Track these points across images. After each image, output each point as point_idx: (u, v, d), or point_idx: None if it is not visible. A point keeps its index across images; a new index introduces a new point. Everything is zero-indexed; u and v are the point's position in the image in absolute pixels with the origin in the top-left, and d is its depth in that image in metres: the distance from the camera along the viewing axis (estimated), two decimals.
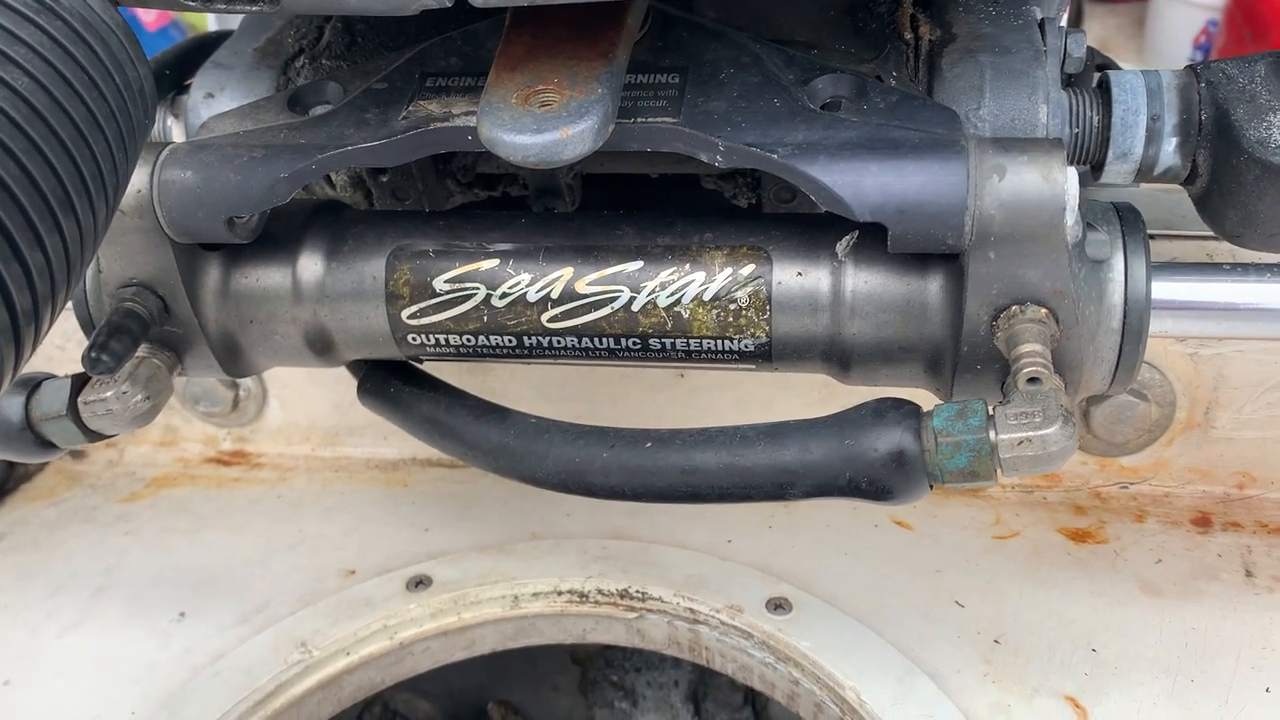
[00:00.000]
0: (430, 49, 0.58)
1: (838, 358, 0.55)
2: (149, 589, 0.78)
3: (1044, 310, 0.49)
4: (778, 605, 0.69)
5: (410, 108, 0.55)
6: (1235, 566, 0.70)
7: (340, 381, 0.73)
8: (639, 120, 0.53)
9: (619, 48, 0.52)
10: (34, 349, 0.38)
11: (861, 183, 0.48)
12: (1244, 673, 0.63)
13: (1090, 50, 0.85)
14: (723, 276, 0.55)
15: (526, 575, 0.73)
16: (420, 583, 0.74)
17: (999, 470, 0.49)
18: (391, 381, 0.65)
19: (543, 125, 0.48)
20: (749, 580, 0.71)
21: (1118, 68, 0.91)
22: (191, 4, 0.48)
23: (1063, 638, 0.66)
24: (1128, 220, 0.53)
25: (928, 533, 0.75)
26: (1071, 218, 0.48)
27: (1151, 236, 0.72)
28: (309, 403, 0.89)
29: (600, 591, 0.71)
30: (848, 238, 0.53)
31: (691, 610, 0.70)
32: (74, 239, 0.38)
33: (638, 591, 0.71)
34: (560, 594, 0.72)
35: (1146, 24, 2.76)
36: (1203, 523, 0.74)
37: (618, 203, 0.67)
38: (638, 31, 0.55)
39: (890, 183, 0.48)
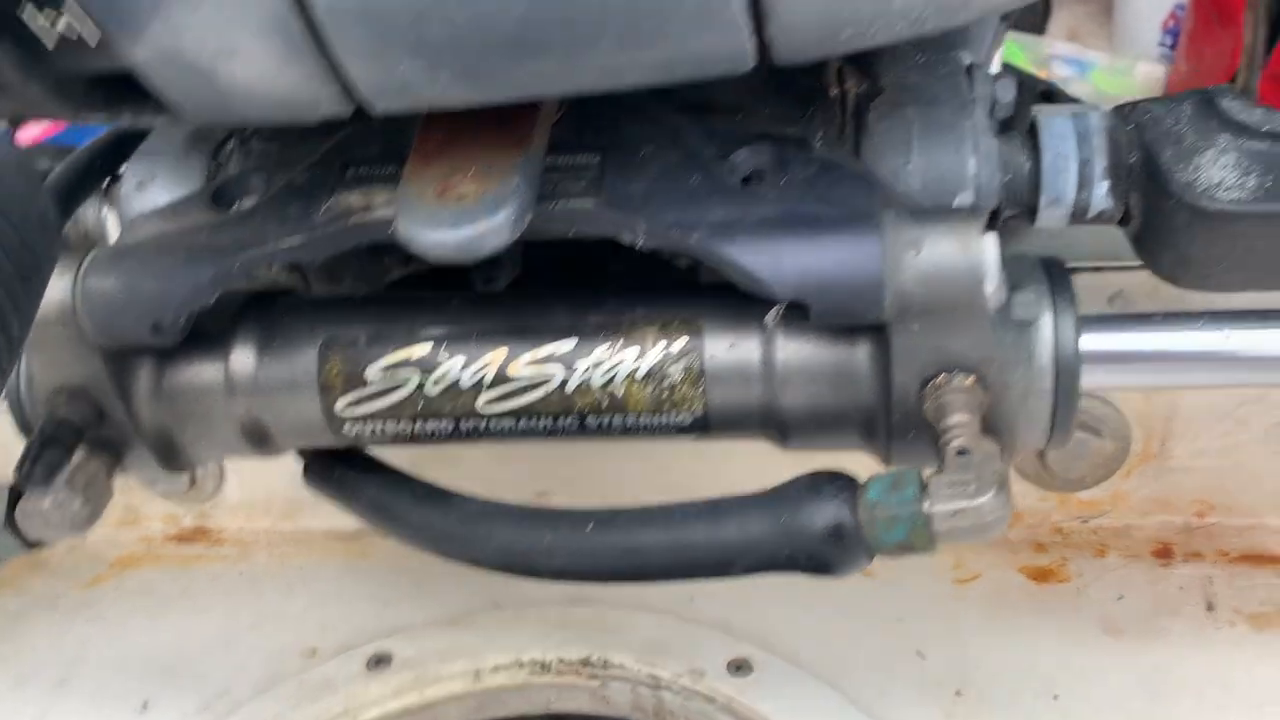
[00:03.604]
0: (351, 136, 0.58)
1: (775, 426, 0.55)
2: (112, 678, 0.78)
3: (971, 378, 0.49)
4: (739, 666, 0.68)
5: (331, 201, 0.54)
6: (1196, 600, 0.70)
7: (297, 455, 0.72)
8: (559, 203, 0.52)
9: (536, 133, 0.51)
10: None
11: (779, 263, 0.48)
12: (1206, 713, 0.63)
13: (1030, 80, 0.85)
14: (655, 352, 0.55)
15: (488, 648, 0.73)
16: (381, 661, 0.73)
17: (935, 541, 0.48)
18: (336, 466, 0.64)
19: (459, 220, 0.47)
20: (710, 641, 0.70)
21: (1065, 95, 0.91)
22: (96, 115, 0.48)
23: (1024, 686, 0.66)
24: (1055, 277, 0.53)
25: (889, 579, 0.75)
26: (991, 286, 0.48)
27: (1099, 269, 0.72)
28: (267, 476, 0.89)
29: (562, 661, 0.71)
30: (775, 309, 0.53)
31: (654, 676, 0.69)
32: None
33: (599, 659, 0.71)
34: (522, 665, 0.72)
35: (1114, 11, 2.76)
36: (1164, 554, 0.74)
37: (559, 265, 0.66)
38: (555, 113, 0.55)
39: (808, 262, 0.48)
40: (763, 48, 0.40)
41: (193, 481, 0.89)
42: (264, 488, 0.89)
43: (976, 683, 0.66)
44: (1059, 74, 2.34)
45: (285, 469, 0.88)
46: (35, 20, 0.41)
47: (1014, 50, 2.22)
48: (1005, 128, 0.64)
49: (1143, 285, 0.74)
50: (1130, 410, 0.74)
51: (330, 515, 0.88)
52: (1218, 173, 0.55)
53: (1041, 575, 0.74)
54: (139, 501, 0.92)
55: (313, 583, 0.83)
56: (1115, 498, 0.76)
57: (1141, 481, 0.76)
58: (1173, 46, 2.44)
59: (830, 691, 0.66)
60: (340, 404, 0.57)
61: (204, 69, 0.41)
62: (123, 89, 0.46)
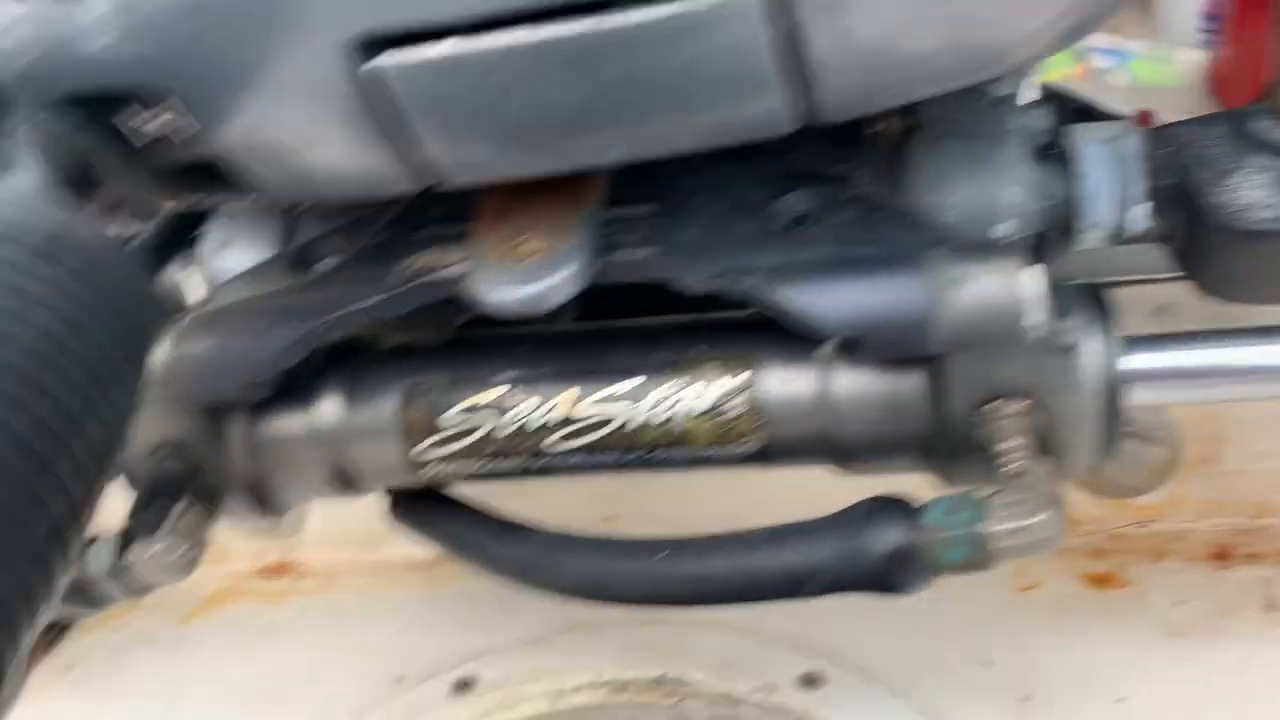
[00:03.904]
0: (424, 197, 0.61)
1: (834, 454, 0.58)
2: (211, 712, 0.82)
3: (1021, 403, 0.51)
4: (810, 680, 0.71)
5: (407, 260, 0.58)
6: (1256, 600, 0.71)
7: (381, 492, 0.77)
8: (618, 254, 0.55)
9: (593, 189, 0.55)
10: (80, 547, 0.41)
11: (829, 304, 0.51)
12: (1272, 712, 0.64)
13: (1067, 99, 0.86)
14: (716, 388, 0.57)
15: (567, 668, 0.76)
16: (465, 684, 0.77)
17: (994, 560, 0.51)
18: (418, 504, 0.68)
19: (526, 278, 0.51)
20: (782, 657, 0.73)
21: (1102, 112, 0.92)
22: (182, 200, 0.51)
23: (1090, 690, 0.67)
24: (1097, 301, 0.54)
25: (952, 591, 0.75)
26: (1033, 318, 0.50)
27: (1144, 281, 0.73)
28: (348, 509, 0.92)
29: (639, 679, 0.74)
30: (829, 343, 0.56)
31: (727, 693, 0.72)
32: (98, 441, 0.41)
33: (674, 677, 0.74)
34: (601, 685, 0.75)
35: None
36: (1222, 556, 0.75)
37: (622, 302, 0.69)
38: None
39: (856, 302, 0.50)
40: (806, 112, 0.43)
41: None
42: (345, 521, 0.93)
43: (1043, 688, 0.68)
44: (1098, 65, 2.31)
45: (365, 503, 0.93)
46: (131, 121, 0.45)
47: None
48: (1044, 153, 0.66)
49: (1189, 297, 0.75)
50: (1183, 416, 0.75)
51: (409, 545, 0.92)
52: (1251, 193, 0.56)
53: (1101, 581, 0.75)
54: (226, 538, 0.96)
55: (395, 611, 0.86)
56: (1172, 502, 0.78)
57: (1197, 485, 0.77)
58: (1214, 33, 2.42)
59: (899, 702, 0.68)
60: (420, 447, 0.61)
61: (288, 156, 0.44)
62: (208, 174, 0.50)
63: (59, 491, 0.38)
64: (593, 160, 0.46)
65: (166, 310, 0.47)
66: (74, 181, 0.46)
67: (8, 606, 0.35)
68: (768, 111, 0.42)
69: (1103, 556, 0.77)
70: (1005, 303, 0.49)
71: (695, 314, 0.66)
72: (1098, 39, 2.37)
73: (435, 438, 0.60)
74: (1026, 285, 0.49)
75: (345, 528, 0.94)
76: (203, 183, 0.51)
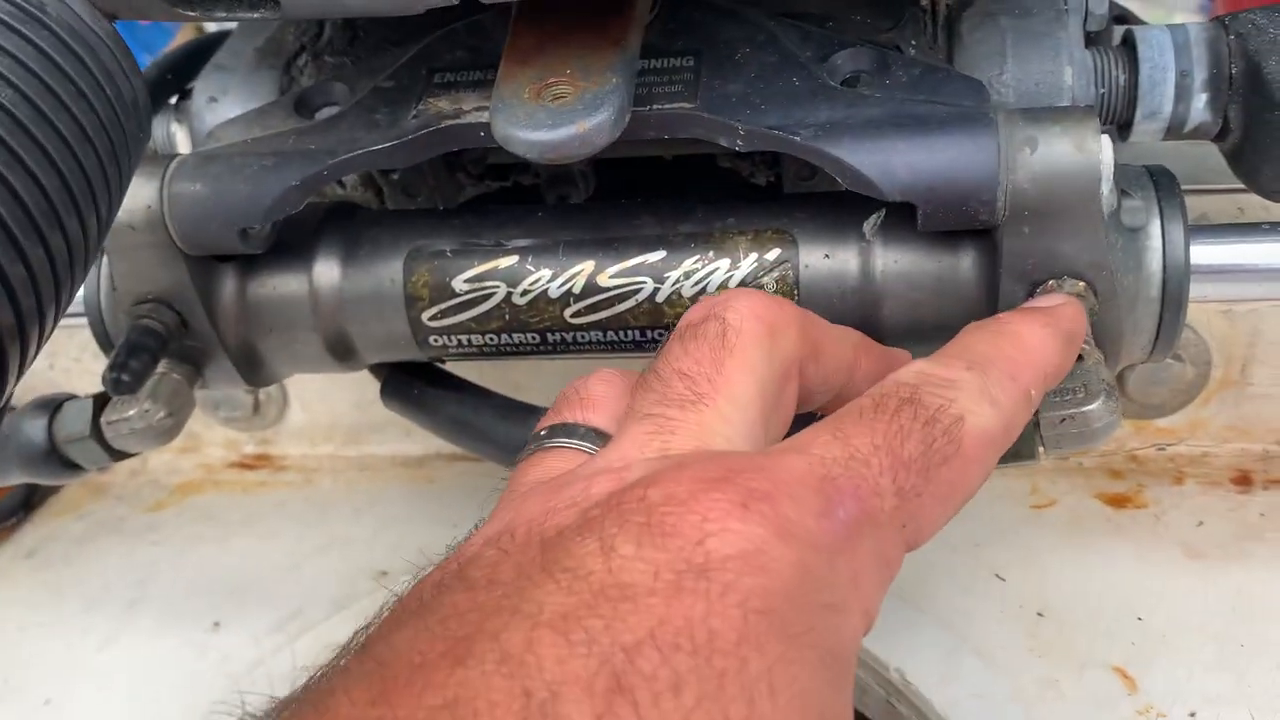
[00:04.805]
0: (435, 43, 0.57)
1: (872, 337, 0.54)
2: (182, 599, 0.78)
3: (1081, 284, 0.48)
4: None
5: (420, 106, 0.53)
6: (1278, 525, 0.69)
7: (360, 380, 0.72)
8: (655, 107, 0.51)
9: (630, 34, 0.50)
10: (25, 367, 0.37)
11: (889, 162, 0.47)
12: None
13: (1109, 3, 0.82)
14: (748, 262, 0.54)
15: None
16: None
17: (1042, 449, 0.48)
18: (414, 383, 0.64)
19: (558, 120, 0.46)
20: None
21: (1137, 19, 0.88)
22: (190, 14, 0.46)
23: (1106, 607, 0.65)
24: (1163, 185, 0.51)
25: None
26: (1107, 187, 0.46)
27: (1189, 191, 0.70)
28: (330, 402, 0.88)
29: None
30: (874, 216, 0.52)
31: None
32: (61, 254, 0.37)
33: None
34: None
35: None
36: (1243, 482, 0.73)
37: (633, 188, 0.65)
38: (648, 14, 0.54)
39: (918, 160, 0.47)
40: None
41: (256, 407, 0.89)
42: (327, 414, 0.89)
43: (1058, 605, 0.65)
44: None
45: (348, 396, 0.89)
46: None
47: None
48: (1101, 37, 0.62)
49: (1225, 209, 0.72)
50: (1211, 335, 0.73)
51: (395, 441, 0.89)
52: None
53: (1118, 501, 0.73)
54: (199, 428, 0.92)
55: (379, 507, 0.82)
56: (1193, 425, 0.75)
57: (1220, 408, 0.74)
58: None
59: (910, 611, 0.65)
60: (426, 315, 0.56)
61: None
62: None
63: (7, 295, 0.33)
64: None
65: (147, 116, 0.42)
66: None
67: None
68: None
69: (1120, 477, 0.74)
70: (1081, 168, 0.46)
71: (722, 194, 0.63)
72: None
73: (440, 306, 0.56)
74: (1105, 151, 0.46)
75: (329, 421, 0.90)
76: None
